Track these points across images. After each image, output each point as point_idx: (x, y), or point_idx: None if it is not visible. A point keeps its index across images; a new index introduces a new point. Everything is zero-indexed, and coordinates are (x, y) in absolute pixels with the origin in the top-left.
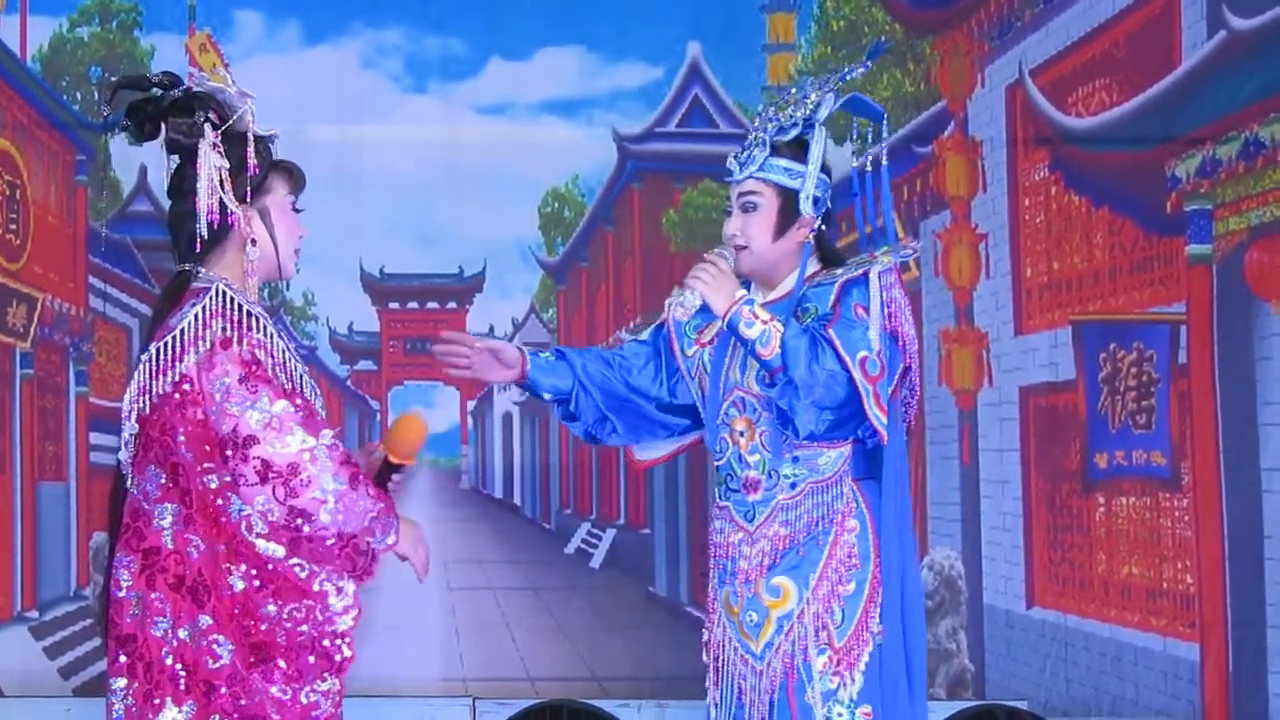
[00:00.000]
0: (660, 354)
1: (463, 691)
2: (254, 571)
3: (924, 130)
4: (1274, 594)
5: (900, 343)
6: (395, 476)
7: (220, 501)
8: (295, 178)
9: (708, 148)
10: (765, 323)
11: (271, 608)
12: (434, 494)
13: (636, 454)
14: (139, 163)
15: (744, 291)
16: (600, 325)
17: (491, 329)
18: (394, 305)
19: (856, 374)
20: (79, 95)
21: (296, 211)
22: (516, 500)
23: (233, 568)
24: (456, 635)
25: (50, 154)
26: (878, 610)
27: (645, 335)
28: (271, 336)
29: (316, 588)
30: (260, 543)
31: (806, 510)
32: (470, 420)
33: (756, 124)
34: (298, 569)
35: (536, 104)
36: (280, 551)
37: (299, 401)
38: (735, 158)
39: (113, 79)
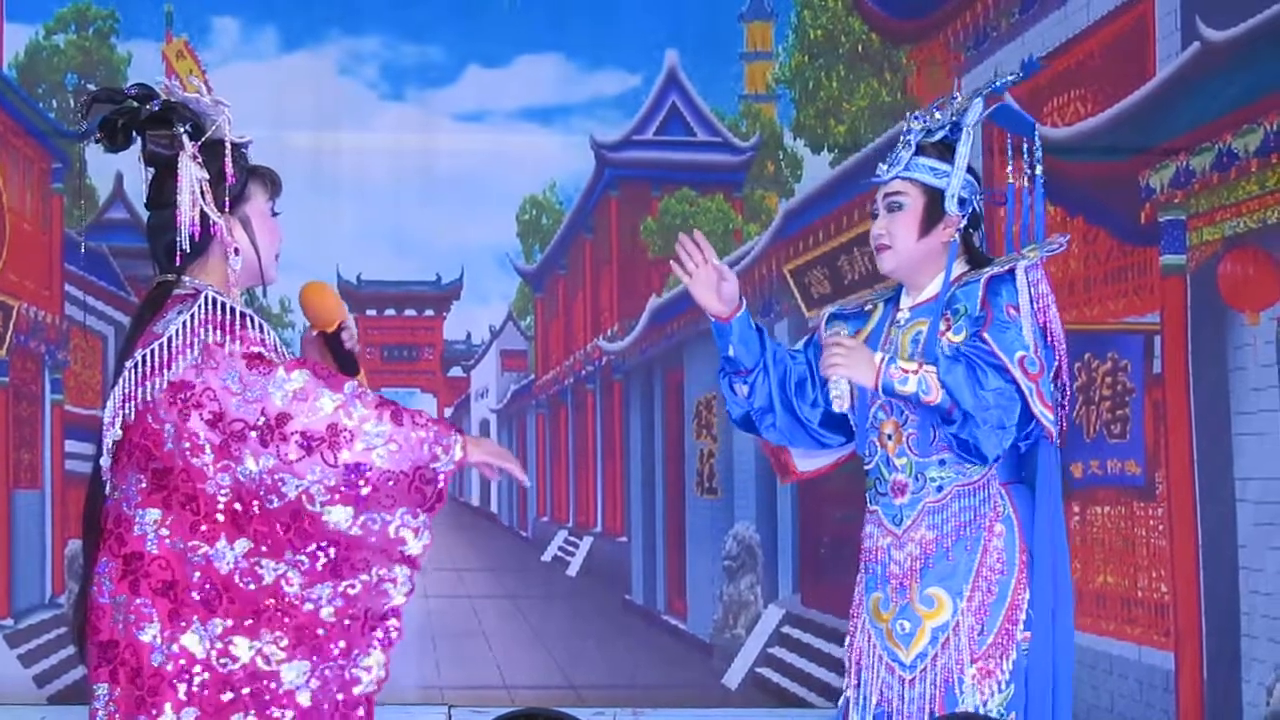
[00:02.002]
0: (811, 364)
1: (439, 699)
2: (318, 548)
3: None
4: (1248, 602)
5: (1050, 338)
6: (343, 337)
7: (225, 495)
8: (272, 183)
9: (685, 155)
10: (915, 371)
11: (326, 589)
12: None
13: (797, 464)
14: (115, 170)
15: (880, 354)
16: (578, 332)
17: (469, 336)
18: (371, 312)
19: (1017, 373)
20: (55, 103)
21: (274, 216)
22: (493, 508)
23: (262, 561)
24: (433, 643)
25: (26, 161)
26: (1022, 616)
27: (799, 346)
28: (267, 332)
29: (393, 534)
30: (326, 511)
31: (954, 514)
32: None
33: (905, 127)
34: (371, 523)
35: (514, 111)
36: (349, 513)
37: (313, 367)
38: (883, 161)
39: (90, 87)
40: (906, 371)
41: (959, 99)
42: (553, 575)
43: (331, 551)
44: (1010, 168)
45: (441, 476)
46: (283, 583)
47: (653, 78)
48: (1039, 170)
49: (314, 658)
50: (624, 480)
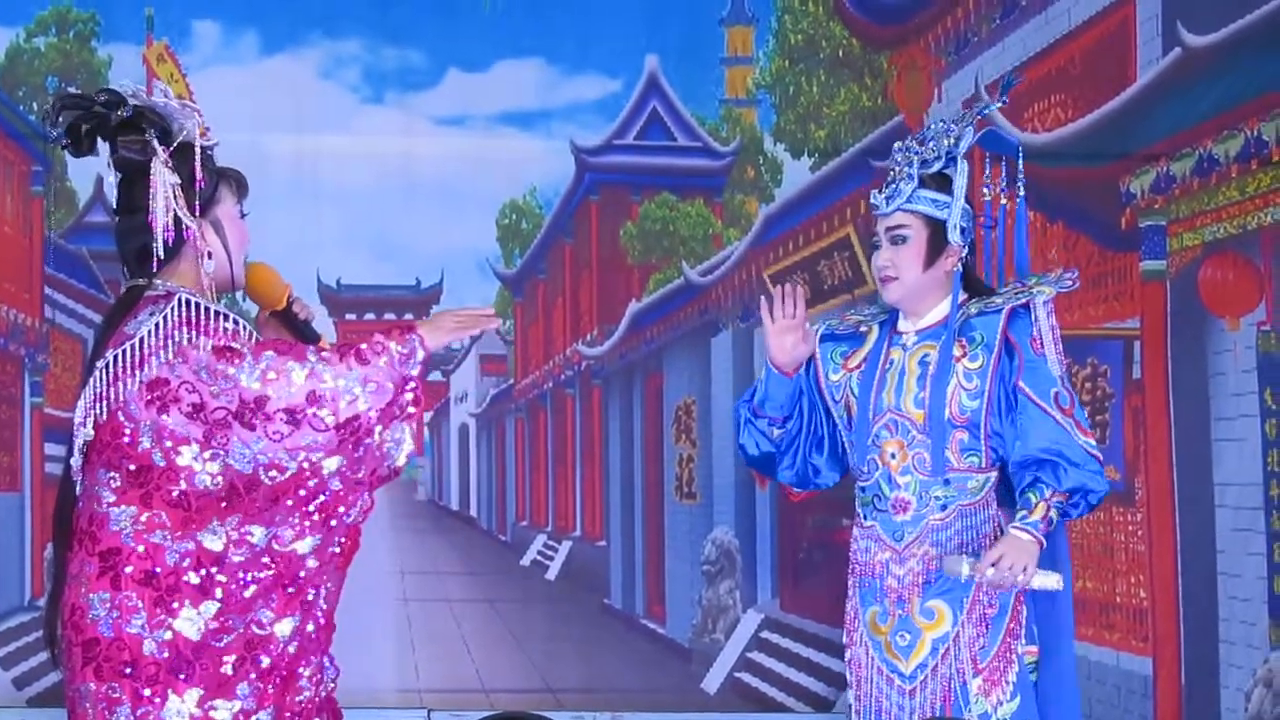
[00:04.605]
0: (811, 398)
1: (418, 703)
2: (316, 503)
3: (881, 144)
4: (1227, 608)
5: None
6: (295, 309)
7: (218, 483)
8: (239, 185)
9: (666, 160)
10: (1046, 509)
11: (315, 539)
12: (390, 505)
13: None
14: (95, 173)
15: (1023, 532)
16: (557, 337)
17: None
18: (351, 316)
19: (1054, 413)
20: (35, 105)
21: (242, 218)
22: (473, 512)
23: (251, 528)
24: (412, 646)
25: (6, 164)
26: (1023, 630)
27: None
28: (241, 326)
29: (377, 451)
30: (328, 463)
31: (957, 531)
32: (427, 432)
33: (899, 159)
34: (359, 451)
35: (495, 115)
36: (344, 460)
37: (274, 345)
38: (880, 193)
39: (70, 90)
40: (1046, 516)
41: (948, 127)
42: (531, 579)
43: (341, 513)
44: (989, 190)
45: (415, 381)
46: (274, 543)
47: (633, 82)
48: (1022, 192)
49: (301, 607)
50: (603, 485)
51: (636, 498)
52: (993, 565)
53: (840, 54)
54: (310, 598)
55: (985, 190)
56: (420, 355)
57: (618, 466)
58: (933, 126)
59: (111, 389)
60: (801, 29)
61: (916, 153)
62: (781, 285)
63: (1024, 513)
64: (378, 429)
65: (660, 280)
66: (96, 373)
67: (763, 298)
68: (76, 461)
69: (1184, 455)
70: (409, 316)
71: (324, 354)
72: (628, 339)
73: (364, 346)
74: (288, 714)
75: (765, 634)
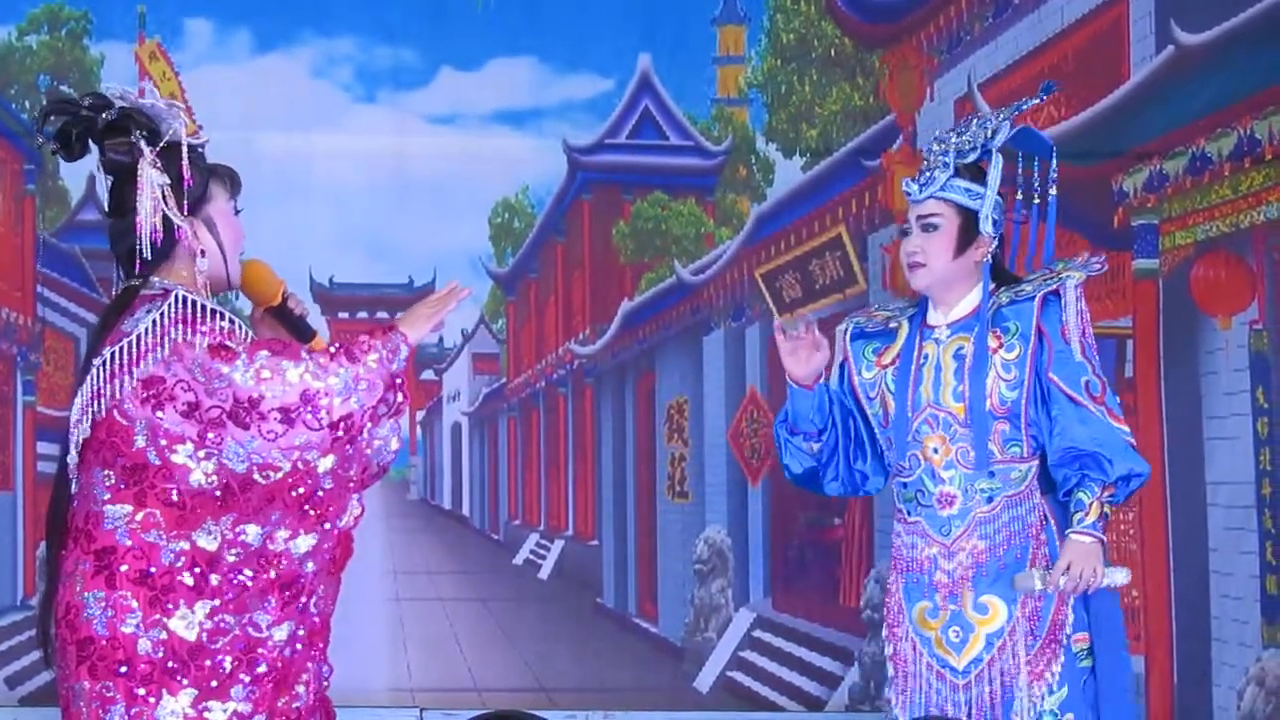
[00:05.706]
0: (844, 403)
1: (410, 702)
2: (310, 501)
3: (872, 143)
4: (1218, 607)
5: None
6: (290, 305)
7: (213, 481)
8: (232, 182)
9: (658, 159)
10: (1100, 507)
11: (311, 538)
12: (382, 504)
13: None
14: (88, 172)
15: (1083, 535)
16: (549, 336)
17: (441, 339)
18: (343, 315)
19: (1087, 403)
20: (27, 104)
21: (236, 214)
22: (465, 511)
23: (246, 528)
24: (404, 646)
25: None
26: (1069, 618)
27: (834, 382)
28: (237, 325)
29: (368, 449)
30: (322, 462)
31: (1004, 524)
32: (419, 430)
33: (935, 148)
34: (350, 450)
35: (487, 114)
36: (337, 459)
37: (268, 345)
38: (914, 180)
39: (62, 88)
40: (1101, 514)
41: (986, 120)
42: (524, 578)
43: (333, 512)
44: (1021, 190)
45: (402, 377)
46: (268, 543)
47: (625, 81)
48: (1053, 191)
49: (298, 612)
50: (595, 484)
51: (629, 497)
52: (1064, 574)
53: (832, 53)
54: (307, 603)
55: (1019, 188)
56: (404, 351)
57: (610, 465)
58: (971, 119)
59: (108, 386)
60: (793, 28)
61: (953, 142)
62: (809, 322)
63: (1080, 514)
64: (368, 427)
65: (652, 279)
66: (94, 370)
67: (776, 324)
68: (72, 459)
69: (1176, 454)
70: (401, 315)
71: (315, 356)
72: (620, 338)
73: (352, 347)
74: (281, 718)
75: (757, 633)
